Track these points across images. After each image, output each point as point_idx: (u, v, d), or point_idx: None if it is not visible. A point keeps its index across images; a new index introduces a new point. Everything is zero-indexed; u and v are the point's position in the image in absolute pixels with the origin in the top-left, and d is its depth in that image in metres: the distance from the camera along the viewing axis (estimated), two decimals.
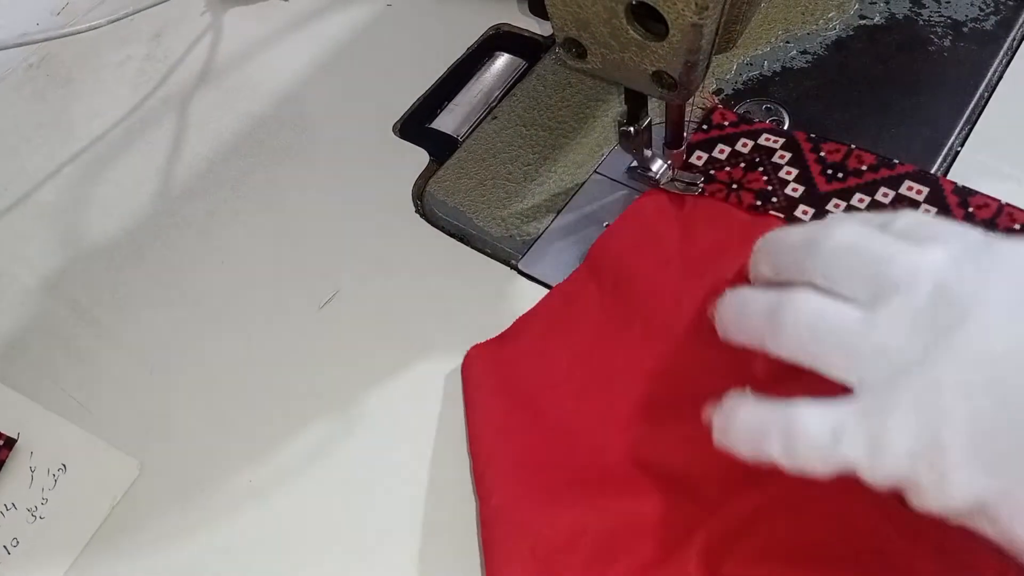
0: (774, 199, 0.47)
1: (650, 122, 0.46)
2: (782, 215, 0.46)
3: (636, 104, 0.44)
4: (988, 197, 0.44)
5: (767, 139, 0.48)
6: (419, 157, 0.55)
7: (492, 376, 0.44)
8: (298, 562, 0.42)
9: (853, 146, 0.47)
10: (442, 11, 0.63)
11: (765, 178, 0.47)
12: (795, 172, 0.47)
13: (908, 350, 0.30)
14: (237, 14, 0.67)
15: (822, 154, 0.47)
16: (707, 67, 0.39)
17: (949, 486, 0.28)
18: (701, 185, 0.47)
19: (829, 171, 0.47)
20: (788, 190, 0.47)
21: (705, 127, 0.49)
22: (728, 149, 0.49)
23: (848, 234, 0.33)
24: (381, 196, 0.54)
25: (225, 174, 0.58)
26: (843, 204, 0.45)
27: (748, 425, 0.33)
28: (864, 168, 0.46)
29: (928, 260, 0.31)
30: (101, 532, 0.45)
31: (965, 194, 0.44)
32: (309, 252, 0.52)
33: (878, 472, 0.29)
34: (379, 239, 0.52)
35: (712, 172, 0.48)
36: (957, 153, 0.48)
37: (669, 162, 0.48)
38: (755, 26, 0.54)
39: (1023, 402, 0.28)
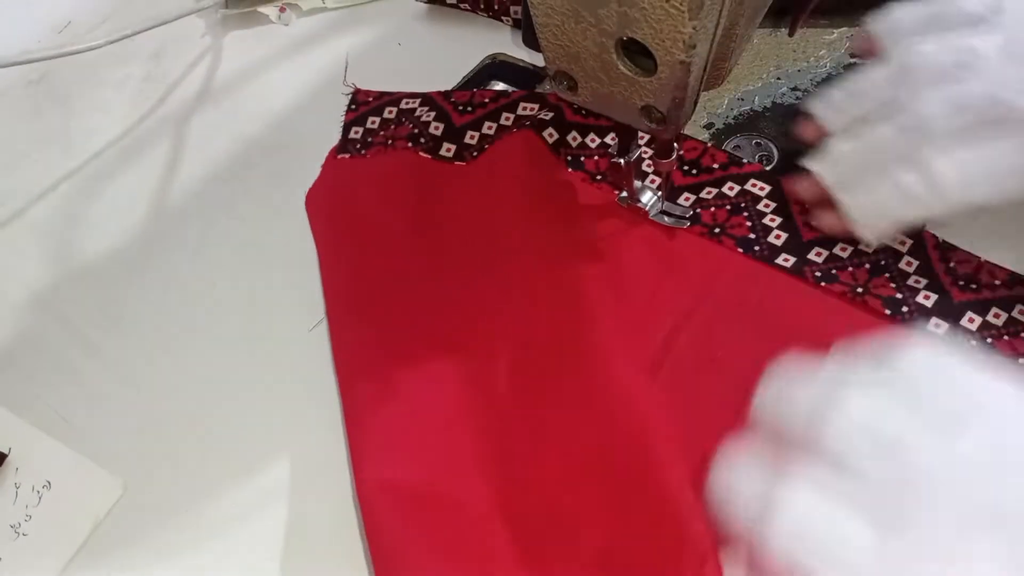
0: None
1: (640, 154, 0.46)
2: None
3: (626, 136, 0.44)
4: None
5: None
6: None
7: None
8: None
9: (710, 144, 0.51)
10: (440, 39, 0.63)
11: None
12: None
13: None
14: (237, 37, 0.68)
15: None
16: (695, 102, 0.39)
17: None
18: (689, 218, 0.48)
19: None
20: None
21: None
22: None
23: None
24: None
25: (220, 195, 0.58)
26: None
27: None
28: (716, 166, 0.50)
29: None
30: (83, 551, 0.45)
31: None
32: (300, 275, 0.52)
33: None
34: None
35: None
36: None
37: (659, 194, 0.49)
38: (747, 62, 0.55)
39: None
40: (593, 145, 0.52)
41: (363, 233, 0.52)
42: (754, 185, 0.49)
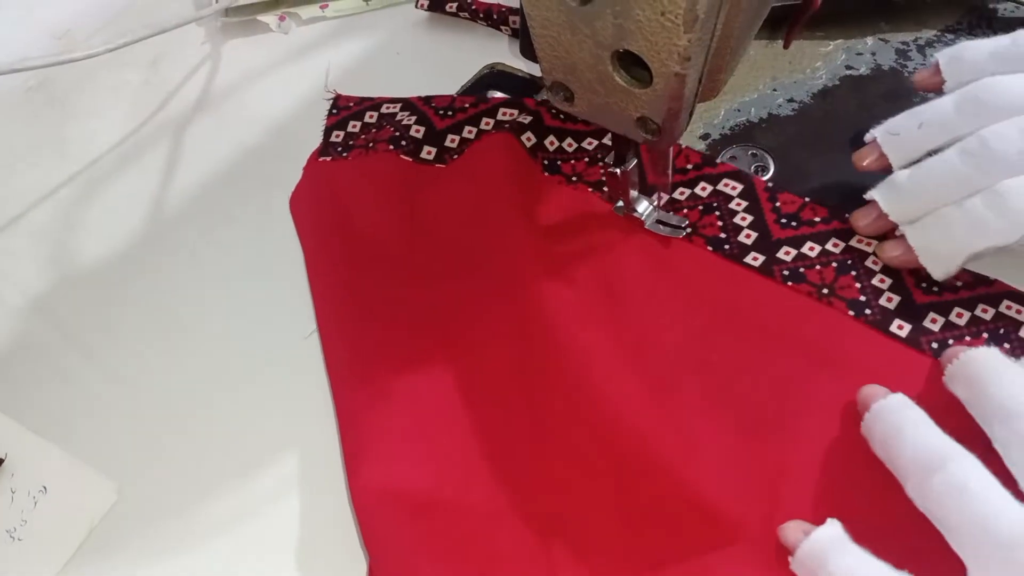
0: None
1: (636, 164, 0.46)
2: None
3: (622, 147, 0.45)
4: (794, 195, 0.48)
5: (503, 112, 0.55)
6: None
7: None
8: None
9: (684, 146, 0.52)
10: (439, 48, 0.64)
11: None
12: None
13: None
14: (236, 45, 0.68)
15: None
16: (691, 114, 0.39)
17: None
18: (686, 228, 0.48)
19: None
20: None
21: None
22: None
23: None
24: None
25: (217, 201, 0.58)
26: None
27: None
28: (689, 167, 0.51)
29: None
30: (79, 555, 0.45)
31: (775, 191, 0.48)
32: (297, 280, 0.52)
33: None
34: None
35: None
36: None
37: (655, 203, 0.49)
38: (743, 73, 0.55)
39: None
40: (570, 150, 0.53)
41: (345, 234, 0.52)
42: (727, 185, 0.49)
